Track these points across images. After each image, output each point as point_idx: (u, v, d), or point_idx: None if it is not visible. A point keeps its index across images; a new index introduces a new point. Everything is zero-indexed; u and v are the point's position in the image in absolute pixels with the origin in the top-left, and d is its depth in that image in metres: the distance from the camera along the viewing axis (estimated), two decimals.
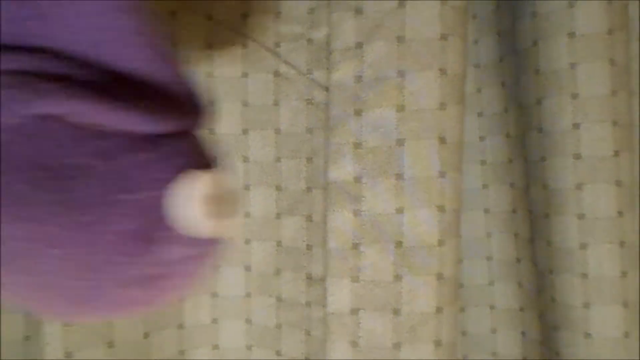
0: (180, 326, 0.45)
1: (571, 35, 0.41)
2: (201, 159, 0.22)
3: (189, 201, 0.21)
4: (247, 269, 0.46)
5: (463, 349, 0.51)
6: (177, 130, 0.22)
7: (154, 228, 0.21)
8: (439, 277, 0.37)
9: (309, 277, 0.42)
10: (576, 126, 0.41)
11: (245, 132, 0.43)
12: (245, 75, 0.43)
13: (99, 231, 0.19)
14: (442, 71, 0.36)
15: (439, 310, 0.37)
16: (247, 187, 0.45)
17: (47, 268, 0.20)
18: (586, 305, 0.42)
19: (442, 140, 0.36)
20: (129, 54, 0.21)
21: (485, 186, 0.51)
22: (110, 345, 0.40)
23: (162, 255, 0.21)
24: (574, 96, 0.41)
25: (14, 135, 0.19)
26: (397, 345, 0.37)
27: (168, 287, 0.22)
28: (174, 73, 0.22)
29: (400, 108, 0.36)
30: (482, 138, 0.51)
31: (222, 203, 0.21)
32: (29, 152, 0.19)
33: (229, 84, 0.43)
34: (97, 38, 0.20)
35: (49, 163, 0.19)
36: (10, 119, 0.19)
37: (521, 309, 0.50)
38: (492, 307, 0.51)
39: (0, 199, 0.19)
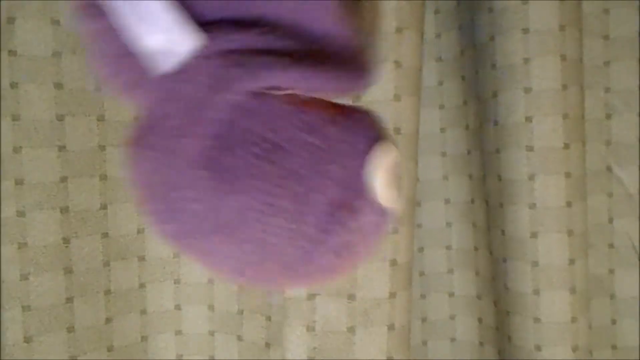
0: (143, 312, 0.45)
1: (525, 30, 0.42)
2: (382, 130, 0.24)
3: (380, 171, 0.22)
4: None
5: (423, 334, 0.53)
6: (358, 92, 0.23)
7: (355, 196, 0.22)
8: (393, 263, 0.38)
9: None
10: (529, 119, 0.43)
11: None
12: None
13: (314, 201, 0.21)
14: (397, 64, 0.37)
15: (392, 295, 0.38)
16: None
17: (270, 237, 0.21)
18: (536, 292, 0.43)
19: (397, 130, 0.37)
20: (323, 17, 0.22)
21: (445, 177, 0.52)
22: (70, 330, 0.40)
23: (361, 223, 0.22)
24: (527, 90, 0.42)
25: (239, 113, 0.21)
26: (351, 329, 0.38)
27: (360, 254, 0.24)
28: (355, 37, 0.24)
29: (356, 99, 0.37)
30: (442, 130, 0.52)
31: (394, 174, 0.23)
32: (253, 127, 0.21)
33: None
34: (297, 3, 0.22)
35: (269, 137, 0.21)
36: (232, 97, 0.21)
37: (478, 296, 0.52)
38: (451, 295, 0.53)
39: (236, 172, 0.20)
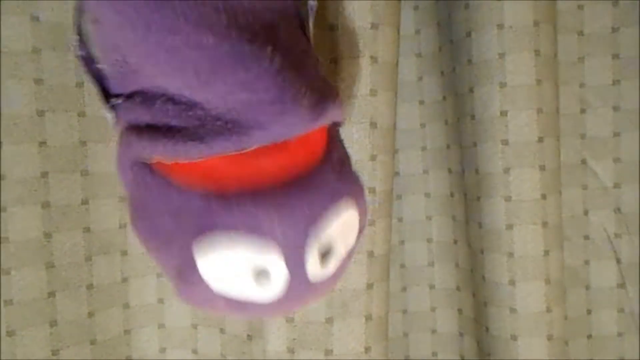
0: (126, 305, 0.46)
1: (500, 26, 0.43)
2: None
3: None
4: None
5: (404, 326, 0.54)
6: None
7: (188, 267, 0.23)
8: (370, 255, 0.39)
9: None
10: (504, 113, 0.43)
11: None
12: None
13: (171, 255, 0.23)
14: (373, 59, 0.38)
15: (369, 286, 0.39)
16: None
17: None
18: (512, 283, 0.44)
19: (373, 125, 0.38)
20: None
21: (425, 171, 0.53)
22: (53, 324, 0.41)
23: None
24: (502, 85, 0.43)
25: (134, 182, 0.23)
26: (329, 320, 0.39)
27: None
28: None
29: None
30: (422, 125, 0.53)
31: None
32: (134, 194, 0.24)
33: None
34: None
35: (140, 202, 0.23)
36: (131, 165, 0.23)
37: (458, 288, 0.52)
38: (431, 287, 0.54)
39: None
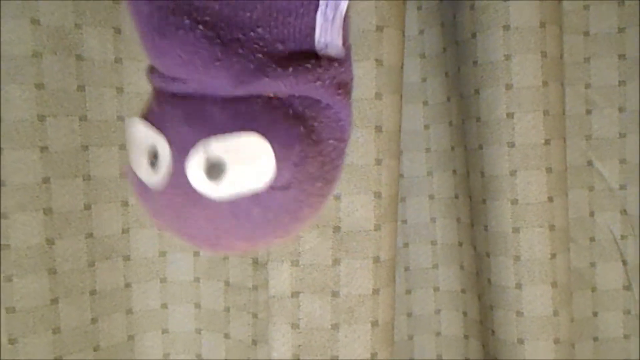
0: (129, 311, 0.45)
1: (506, 28, 0.42)
2: None
3: None
4: (196, 254, 0.47)
5: (409, 329, 0.54)
6: None
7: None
8: (376, 260, 0.39)
9: (255, 262, 0.44)
10: (510, 115, 0.43)
11: None
12: None
13: None
14: (378, 62, 0.37)
15: (375, 292, 0.39)
16: None
17: None
18: (518, 286, 0.44)
19: (378, 128, 0.38)
20: None
21: (429, 173, 0.53)
22: (56, 331, 0.40)
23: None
24: (508, 87, 0.43)
25: None
26: (335, 326, 0.38)
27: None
28: None
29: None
30: (426, 127, 0.52)
31: None
32: None
33: None
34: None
35: None
36: None
37: (463, 291, 0.52)
38: (436, 289, 0.53)
39: None
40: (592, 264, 0.51)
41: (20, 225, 0.39)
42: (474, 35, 0.44)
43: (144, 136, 0.24)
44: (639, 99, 0.48)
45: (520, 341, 0.44)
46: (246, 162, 0.24)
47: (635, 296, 0.50)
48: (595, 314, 0.51)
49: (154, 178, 0.24)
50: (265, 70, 0.24)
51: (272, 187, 0.24)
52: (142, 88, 0.44)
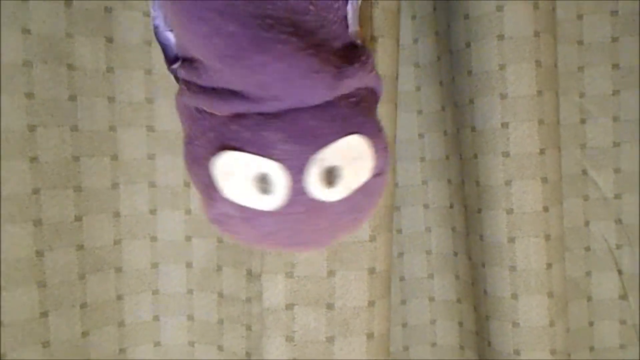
0: (121, 324, 0.45)
1: (500, 37, 0.42)
2: None
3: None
4: (189, 265, 0.46)
5: (404, 340, 0.53)
6: None
7: None
8: (371, 271, 0.38)
9: (249, 273, 0.43)
10: (505, 125, 0.43)
11: None
12: None
13: None
14: None
15: (371, 303, 0.38)
16: (186, 184, 0.45)
17: None
18: (514, 296, 0.44)
19: None
20: None
21: (424, 182, 0.52)
22: (46, 345, 0.40)
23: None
24: (503, 96, 0.43)
25: None
26: (330, 339, 0.38)
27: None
28: None
29: None
30: (421, 135, 0.52)
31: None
32: None
33: None
34: None
35: None
36: None
37: (458, 301, 0.52)
38: (431, 299, 0.53)
39: None
40: (588, 274, 0.51)
41: (10, 237, 0.38)
42: (468, 45, 0.44)
43: (245, 165, 0.24)
44: (638, 108, 0.49)
45: (517, 352, 0.44)
46: (357, 161, 0.25)
47: (632, 306, 0.50)
48: (591, 324, 0.51)
49: (267, 202, 0.25)
50: (343, 71, 0.25)
51: (374, 175, 0.26)
52: (134, 98, 0.43)
